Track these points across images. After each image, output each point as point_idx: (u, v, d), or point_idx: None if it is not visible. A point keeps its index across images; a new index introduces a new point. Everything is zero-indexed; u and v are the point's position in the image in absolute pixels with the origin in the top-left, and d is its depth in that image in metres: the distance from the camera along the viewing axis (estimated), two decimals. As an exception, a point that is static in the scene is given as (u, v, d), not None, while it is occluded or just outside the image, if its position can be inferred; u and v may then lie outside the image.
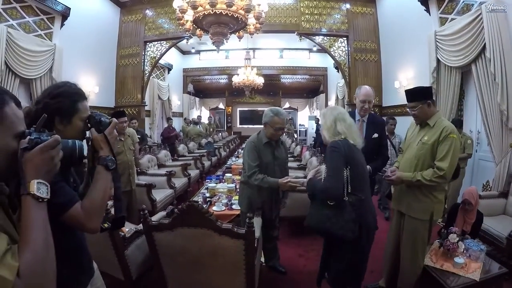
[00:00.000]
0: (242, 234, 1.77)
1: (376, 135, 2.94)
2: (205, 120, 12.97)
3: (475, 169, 4.69)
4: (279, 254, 3.27)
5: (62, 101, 1.18)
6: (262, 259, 3.19)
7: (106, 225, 1.28)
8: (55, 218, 0.99)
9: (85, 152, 1.20)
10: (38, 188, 0.82)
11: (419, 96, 2.35)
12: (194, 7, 4.05)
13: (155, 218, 2.79)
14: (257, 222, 2.56)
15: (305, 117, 18.14)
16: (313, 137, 12.52)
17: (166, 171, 5.11)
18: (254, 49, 13.09)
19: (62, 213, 1.06)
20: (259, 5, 4.33)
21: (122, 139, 3.87)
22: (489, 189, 4.25)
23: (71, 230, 1.18)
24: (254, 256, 1.91)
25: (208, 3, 3.94)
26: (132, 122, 6.47)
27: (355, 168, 1.97)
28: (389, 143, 4.37)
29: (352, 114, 2.94)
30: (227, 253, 1.85)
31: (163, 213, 2.91)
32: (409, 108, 2.43)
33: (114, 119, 1.27)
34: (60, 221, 1.06)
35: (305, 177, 2.92)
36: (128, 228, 2.61)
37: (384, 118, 5.33)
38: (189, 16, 4.42)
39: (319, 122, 2.19)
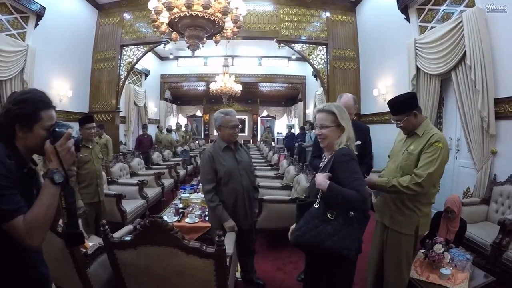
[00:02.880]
0: (212, 254, 1.58)
1: (359, 142, 2.79)
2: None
3: (455, 176, 4.66)
4: (255, 268, 3.08)
5: (24, 107, 1.14)
6: (238, 274, 2.99)
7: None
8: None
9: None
10: None
11: (403, 108, 2.19)
12: (170, 8, 3.88)
13: (120, 232, 2.57)
14: (229, 237, 2.37)
15: (283, 125, 18.17)
16: (284, 141, 12.40)
17: (138, 180, 4.84)
18: (232, 56, 13.01)
19: (4, 221, 1.03)
20: (236, 8, 4.19)
21: (90, 146, 3.55)
22: (469, 196, 4.22)
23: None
24: (226, 276, 1.72)
25: (184, 4, 3.78)
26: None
27: None
28: None
29: None
30: (196, 274, 1.66)
31: (129, 227, 2.67)
32: (394, 121, 2.28)
33: (69, 130, 1.20)
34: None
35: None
36: (92, 243, 2.39)
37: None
38: (165, 18, 4.23)
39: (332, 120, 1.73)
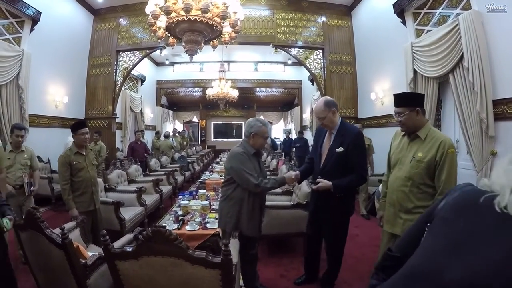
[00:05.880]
0: (218, 264, 1.52)
1: (341, 149, 2.53)
2: (179, 133, 12.71)
3: (455, 178, 4.65)
4: (258, 274, 3.02)
5: None
6: (241, 282, 2.93)
7: None
8: None
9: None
10: None
11: (408, 101, 2.16)
12: (168, 13, 3.83)
13: (121, 242, 2.50)
14: (233, 245, 2.31)
15: (280, 131, 18.10)
16: (281, 147, 12.24)
17: (136, 187, 4.75)
18: (228, 62, 13.01)
19: None
20: (235, 12, 4.16)
21: (84, 153, 3.41)
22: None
23: None
24: (233, 286, 1.67)
25: (182, 8, 3.72)
26: (94, 135, 6.16)
27: None
28: None
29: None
30: (202, 284, 1.59)
31: (130, 236, 2.59)
32: (395, 113, 2.22)
33: None
34: None
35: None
36: (91, 253, 2.31)
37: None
38: (162, 22, 4.19)
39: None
